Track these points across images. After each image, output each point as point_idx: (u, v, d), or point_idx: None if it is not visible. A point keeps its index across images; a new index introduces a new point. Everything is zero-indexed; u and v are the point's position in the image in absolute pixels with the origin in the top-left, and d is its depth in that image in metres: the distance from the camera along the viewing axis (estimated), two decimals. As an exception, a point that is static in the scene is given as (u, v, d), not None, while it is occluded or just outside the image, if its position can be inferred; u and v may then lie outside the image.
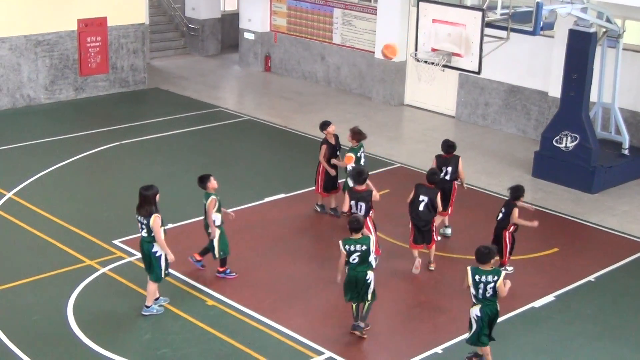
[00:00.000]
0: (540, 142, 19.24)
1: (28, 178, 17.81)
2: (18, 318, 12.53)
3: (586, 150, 18.35)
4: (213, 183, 13.60)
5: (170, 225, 15.73)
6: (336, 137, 16.56)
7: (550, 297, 13.71)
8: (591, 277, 14.48)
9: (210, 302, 13.12)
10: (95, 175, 18.81)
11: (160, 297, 12.93)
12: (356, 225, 11.88)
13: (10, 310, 12.74)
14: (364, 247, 11.82)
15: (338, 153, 16.51)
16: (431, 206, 14.11)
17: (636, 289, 14.15)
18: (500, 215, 13.99)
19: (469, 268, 11.09)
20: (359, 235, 11.90)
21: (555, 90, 20.44)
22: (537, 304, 13.48)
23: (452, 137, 22.18)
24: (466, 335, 11.49)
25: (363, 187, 13.75)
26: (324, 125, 16.57)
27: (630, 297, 13.89)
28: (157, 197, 12.55)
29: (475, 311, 11.15)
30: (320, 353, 11.83)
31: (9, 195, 16.89)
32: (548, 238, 16.07)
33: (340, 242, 12.00)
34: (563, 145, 18.63)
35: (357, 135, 16.05)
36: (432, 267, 14.42)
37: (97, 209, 16.68)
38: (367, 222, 13.39)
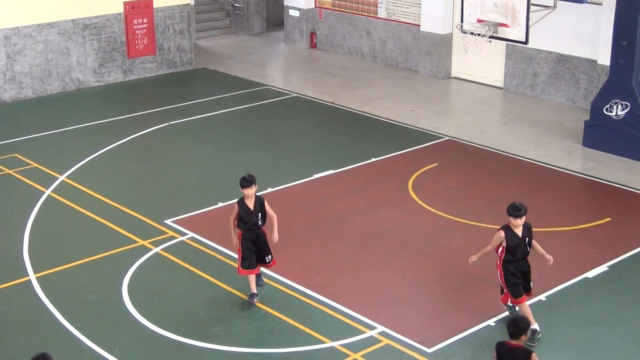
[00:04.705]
0: (590, 111, 18.99)
1: (80, 161, 18.06)
2: (74, 298, 12.76)
3: (637, 118, 18.08)
4: None
5: (220, 204, 15.88)
6: (258, 200, 12.39)
7: (603, 267, 13.58)
8: (645, 246, 14.34)
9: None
10: (146, 156, 19.02)
11: None
12: None
13: (67, 291, 12.98)
14: None
15: (260, 223, 12.38)
16: None
17: (691, 258, 13.98)
18: None
19: None
20: None
21: (604, 58, 20.13)
22: (590, 274, 13.37)
23: (500, 108, 22.08)
24: None
25: None
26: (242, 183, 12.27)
27: (685, 265, 13.73)
28: None
29: None
30: (372, 327, 11.88)
31: (62, 178, 17.15)
32: (600, 208, 15.91)
33: None
34: (614, 113, 18.39)
35: None
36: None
37: (148, 190, 16.89)
38: None
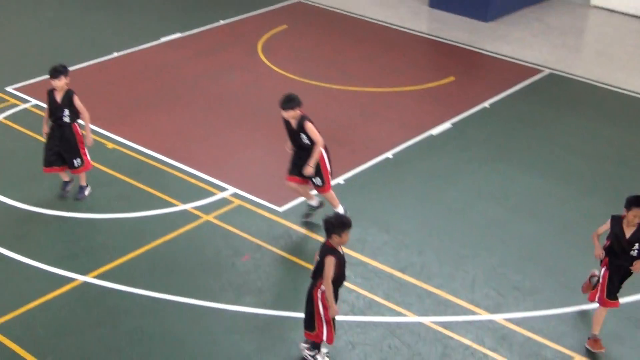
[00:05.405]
0: (437, -28, 19.21)
1: None
2: None
3: (481, -21, 18.43)
4: None
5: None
6: (67, 94, 11.31)
7: (447, 125, 14.03)
8: (486, 104, 14.83)
9: (110, 145, 13.02)
10: (-18, 21, 18.12)
11: None
12: None
13: None
14: None
15: (67, 120, 11.31)
16: None
17: (528, 114, 14.58)
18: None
19: None
20: None
21: None
22: (435, 131, 13.80)
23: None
24: None
25: None
26: None
27: (521, 121, 14.31)
28: None
29: None
30: (223, 189, 11.96)
31: None
32: (444, 67, 16.30)
33: None
34: (459, -26, 18.63)
35: None
36: None
37: (-14, 56, 16.18)
38: None
